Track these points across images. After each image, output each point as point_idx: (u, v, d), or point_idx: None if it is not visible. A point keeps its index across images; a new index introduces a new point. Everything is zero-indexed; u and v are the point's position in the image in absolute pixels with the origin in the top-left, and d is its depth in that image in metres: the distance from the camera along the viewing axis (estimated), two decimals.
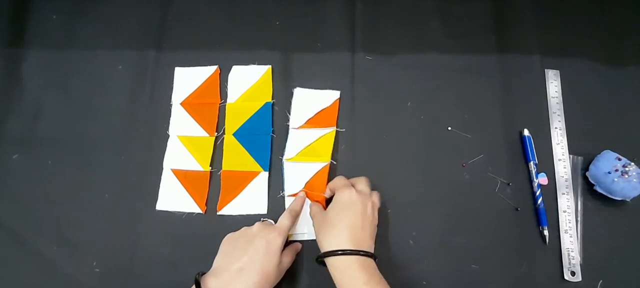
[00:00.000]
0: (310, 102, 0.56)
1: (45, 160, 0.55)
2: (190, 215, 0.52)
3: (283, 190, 0.52)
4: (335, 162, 0.53)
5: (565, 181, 0.52)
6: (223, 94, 0.57)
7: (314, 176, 0.52)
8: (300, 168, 0.53)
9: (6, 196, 0.54)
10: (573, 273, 0.49)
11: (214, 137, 0.55)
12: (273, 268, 0.43)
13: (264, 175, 0.53)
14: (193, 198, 0.53)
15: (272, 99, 0.56)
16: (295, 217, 0.49)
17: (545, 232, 0.50)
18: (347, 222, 0.44)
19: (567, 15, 0.59)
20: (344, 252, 0.42)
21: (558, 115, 0.55)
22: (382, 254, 0.45)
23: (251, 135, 0.55)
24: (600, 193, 0.51)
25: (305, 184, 0.52)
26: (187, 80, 0.58)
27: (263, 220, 0.50)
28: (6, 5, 0.62)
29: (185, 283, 0.42)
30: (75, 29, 0.61)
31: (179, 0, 0.62)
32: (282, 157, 0.53)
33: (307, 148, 0.53)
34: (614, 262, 0.49)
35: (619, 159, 0.50)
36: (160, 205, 0.53)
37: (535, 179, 0.52)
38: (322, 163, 0.52)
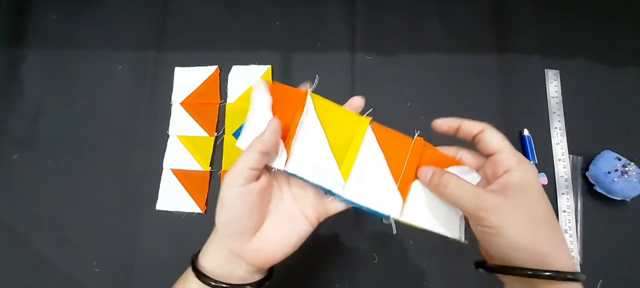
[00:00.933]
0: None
1: (45, 160, 0.55)
2: (190, 215, 0.52)
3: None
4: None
5: (565, 181, 0.52)
6: (223, 94, 0.57)
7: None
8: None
9: (6, 196, 0.54)
10: None
11: (213, 137, 0.55)
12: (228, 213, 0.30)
13: None
14: (193, 198, 0.53)
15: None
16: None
17: None
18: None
19: (567, 15, 0.59)
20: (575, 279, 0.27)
21: (558, 115, 0.55)
22: (382, 254, 0.45)
23: None
24: (600, 193, 0.50)
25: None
26: (187, 80, 0.58)
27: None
28: (6, 5, 0.62)
29: None
30: (75, 29, 0.61)
31: (179, 0, 0.62)
32: None
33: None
34: (614, 262, 0.49)
35: (619, 159, 0.50)
36: (160, 205, 0.53)
37: None
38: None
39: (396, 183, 0.32)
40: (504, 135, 0.31)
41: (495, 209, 0.28)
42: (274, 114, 0.32)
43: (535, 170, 0.31)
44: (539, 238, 0.28)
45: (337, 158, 0.32)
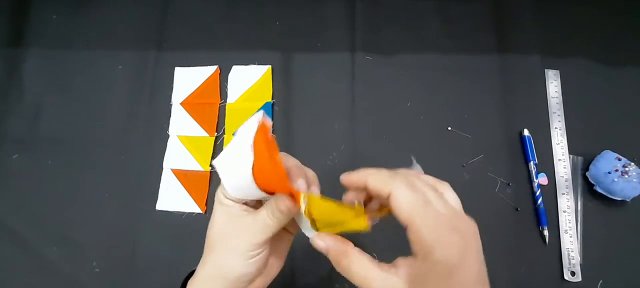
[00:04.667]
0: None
1: (45, 160, 0.55)
2: (190, 215, 0.52)
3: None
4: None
5: (565, 181, 0.52)
6: (223, 94, 0.57)
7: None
8: None
9: (6, 196, 0.54)
10: (573, 273, 0.49)
11: (214, 137, 0.55)
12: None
13: None
14: (193, 198, 0.53)
15: (272, 99, 0.56)
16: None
17: (545, 232, 0.50)
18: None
19: (567, 15, 0.59)
20: None
21: (558, 115, 0.55)
22: (382, 254, 0.45)
23: None
24: (600, 193, 0.50)
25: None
26: (187, 80, 0.58)
27: None
28: (6, 5, 0.62)
29: None
30: (75, 29, 0.61)
31: (179, 0, 0.62)
32: None
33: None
34: (614, 262, 0.49)
35: (619, 159, 0.50)
36: (160, 205, 0.53)
37: (535, 179, 0.52)
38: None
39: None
40: (416, 197, 0.26)
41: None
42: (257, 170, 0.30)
43: (466, 241, 0.25)
44: None
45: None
